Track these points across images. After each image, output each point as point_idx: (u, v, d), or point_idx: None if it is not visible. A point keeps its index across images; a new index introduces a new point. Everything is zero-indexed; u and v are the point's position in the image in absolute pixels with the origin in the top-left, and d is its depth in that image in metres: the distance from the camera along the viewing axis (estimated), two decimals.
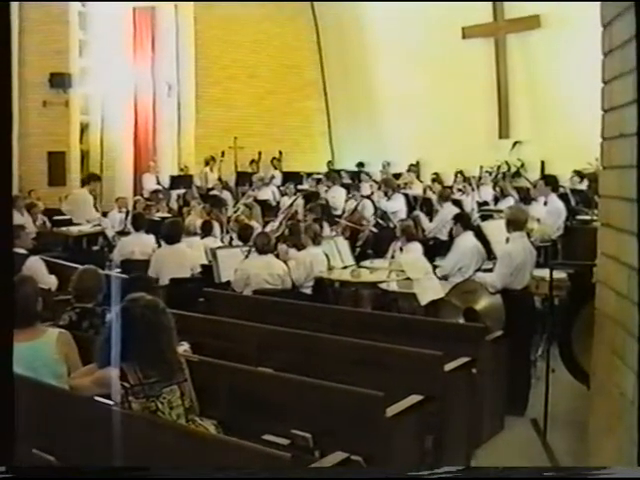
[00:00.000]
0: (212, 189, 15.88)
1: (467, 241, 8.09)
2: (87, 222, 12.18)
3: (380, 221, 12.03)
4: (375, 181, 15.26)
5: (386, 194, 12.66)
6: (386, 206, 12.33)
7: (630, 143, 3.27)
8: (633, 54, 3.18)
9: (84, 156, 17.08)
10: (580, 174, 13.47)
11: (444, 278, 7.88)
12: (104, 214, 13.38)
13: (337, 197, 14.16)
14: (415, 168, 17.36)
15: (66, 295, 5.96)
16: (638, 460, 3.12)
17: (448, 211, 10.65)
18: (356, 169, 18.20)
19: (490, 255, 7.78)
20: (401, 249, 9.09)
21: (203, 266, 9.04)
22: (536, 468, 4.27)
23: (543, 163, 16.09)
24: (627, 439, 3.20)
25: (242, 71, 18.42)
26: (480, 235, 8.12)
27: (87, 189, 12.44)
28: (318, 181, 15.52)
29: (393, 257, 9.32)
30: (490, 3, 16.61)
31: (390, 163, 17.78)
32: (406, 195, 13.04)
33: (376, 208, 12.56)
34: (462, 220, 8.47)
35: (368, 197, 13.17)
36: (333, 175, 15.85)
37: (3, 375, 3.03)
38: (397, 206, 12.31)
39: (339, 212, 13.26)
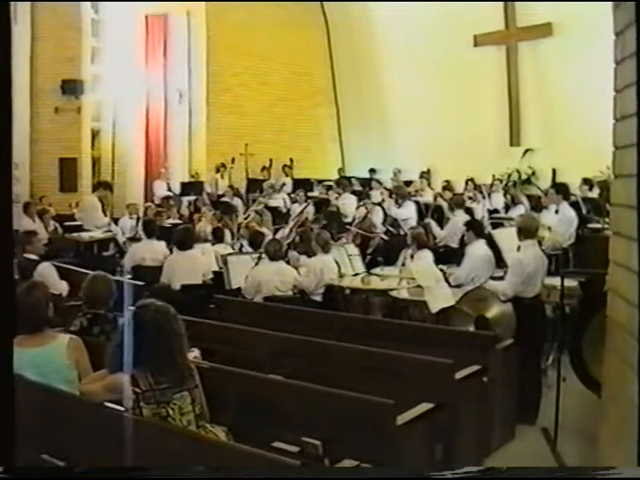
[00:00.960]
0: (223, 196, 15.91)
1: (479, 249, 8.04)
2: (96, 228, 12.20)
3: (390, 228, 12.01)
4: (386, 188, 15.26)
5: (397, 201, 12.64)
6: (397, 213, 12.31)
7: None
8: None
9: (95, 162, 17.17)
10: (589, 182, 13.38)
11: (458, 287, 7.84)
12: (115, 220, 13.42)
13: (347, 204, 14.16)
14: (427, 175, 17.35)
15: (77, 301, 5.97)
16: (638, 460, 3.12)
17: (460, 219, 10.60)
18: (367, 176, 18.19)
19: (501, 263, 7.75)
20: (412, 257, 9.08)
21: (214, 272, 9.06)
22: (543, 468, 4.26)
23: (554, 171, 16.05)
24: (637, 447, 3.20)
25: (253, 78, 18.48)
26: (491, 243, 8.09)
27: (96, 195, 12.48)
28: (329, 188, 15.51)
29: (404, 265, 9.29)
30: (502, 12, 16.59)
31: (401, 170, 17.77)
32: (417, 203, 13.02)
33: (386, 215, 12.55)
34: (474, 228, 8.43)
35: (379, 204, 13.16)
36: (344, 182, 15.86)
37: (3, 376, 3.04)
38: (407, 213, 12.27)
39: (349, 219, 13.27)
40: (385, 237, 11.75)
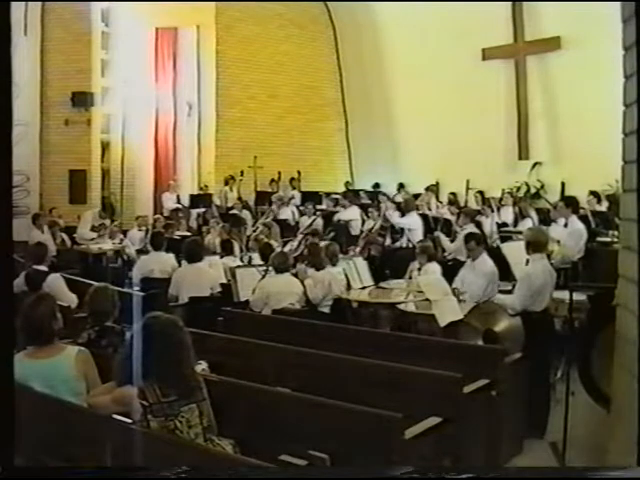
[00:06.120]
0: (232, 208, 15.94)
1: (485, 266, 7.99)
2: (82, 239, 13.01)
3: (399, 243, 11.99)
4: (392, 201, 15.23)
5: (402, 213, 12.59)
6: (399, 222, 12.28)
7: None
8: None
9: (105, 174, 17.24)
10: (597, 195, 13.26)
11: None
12: (124, 232, 13.51)
13: (351, 216, 14.17)
14: (434, 188, 17.31)
15: (85, 312, 5.98)
16: (638, 460, 3.10)
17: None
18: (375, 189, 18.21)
19: (509, 277, 7.72)
20: (419, 270, 9.05)
21: (222, 285, 9.05)
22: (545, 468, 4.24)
23: (563, 184, 16.00)
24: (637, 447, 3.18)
25: (262, 91, 18.51)
26: (500, 257, 8.05)
27: (93, 211, 12.96)
28: (336, 201, 15.49)
29: (411, 278, 9.27)
30: (511, 25, 16.59)
31: (404, 185, 17.83)
32: (425, 216, 12.96)
33: (392, 226, 12.54)
34: (476, 240, 8.30)
35: (384, 216, 13.13)
36: (350, 195, 15.85)
37: (4, 376, 3.04)
38: (412, 223, 12.15)
39: (356, 232, 13.28)
40: (391, 244, 11.72)
